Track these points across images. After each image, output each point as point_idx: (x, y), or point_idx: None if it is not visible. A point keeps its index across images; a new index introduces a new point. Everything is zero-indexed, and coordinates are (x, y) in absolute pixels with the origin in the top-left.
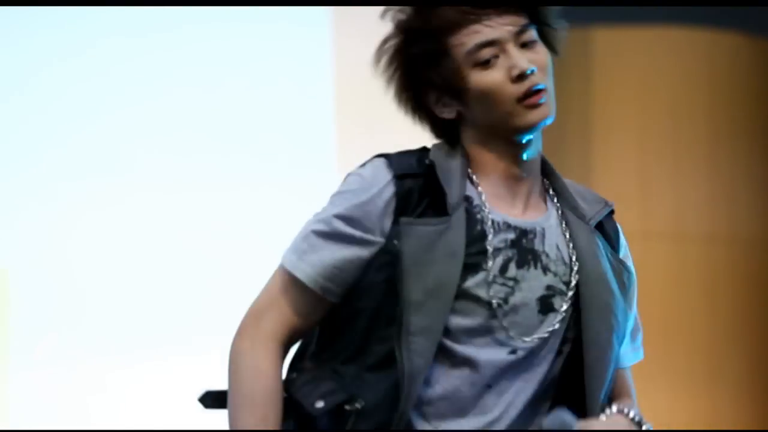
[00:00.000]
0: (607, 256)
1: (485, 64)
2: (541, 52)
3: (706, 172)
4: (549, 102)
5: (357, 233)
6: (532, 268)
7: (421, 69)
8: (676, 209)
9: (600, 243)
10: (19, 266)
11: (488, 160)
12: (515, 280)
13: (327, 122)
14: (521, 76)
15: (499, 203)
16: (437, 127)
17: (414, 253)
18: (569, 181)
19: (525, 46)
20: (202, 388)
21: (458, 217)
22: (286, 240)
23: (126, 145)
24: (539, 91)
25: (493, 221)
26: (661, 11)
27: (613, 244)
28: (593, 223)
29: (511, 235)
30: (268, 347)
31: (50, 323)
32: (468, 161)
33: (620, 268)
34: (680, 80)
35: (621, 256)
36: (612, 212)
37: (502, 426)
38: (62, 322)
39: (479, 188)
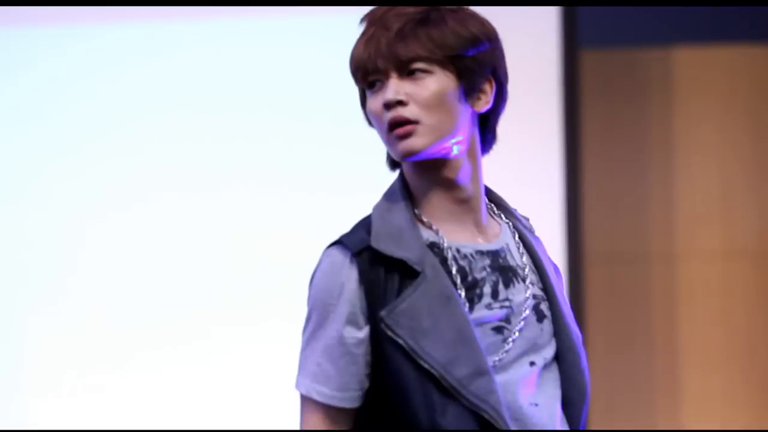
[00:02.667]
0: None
1: (372, 86)
2: (426, 85)
3: None
4: (421, 135)
5: (350, 331)
6: (517, 284)
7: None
8: (758, 228)
9: (544, 249)
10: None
11: (425, 190)
12: (508, 299)
13: None
14: (386, 106)
15: (461, 235)
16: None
17: (414, 331)
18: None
19: (412, 74)
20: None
21: (432, 266)
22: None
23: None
24: (403, 123)
25: (465, 255)
26: (742, 30)
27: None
28: (534, 230)
29: (487, 261)
30: None
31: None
32: (411, 203)
33: (558, 275)
34: (761, 98)
35: None
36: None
37: None
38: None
39: (434, 227)
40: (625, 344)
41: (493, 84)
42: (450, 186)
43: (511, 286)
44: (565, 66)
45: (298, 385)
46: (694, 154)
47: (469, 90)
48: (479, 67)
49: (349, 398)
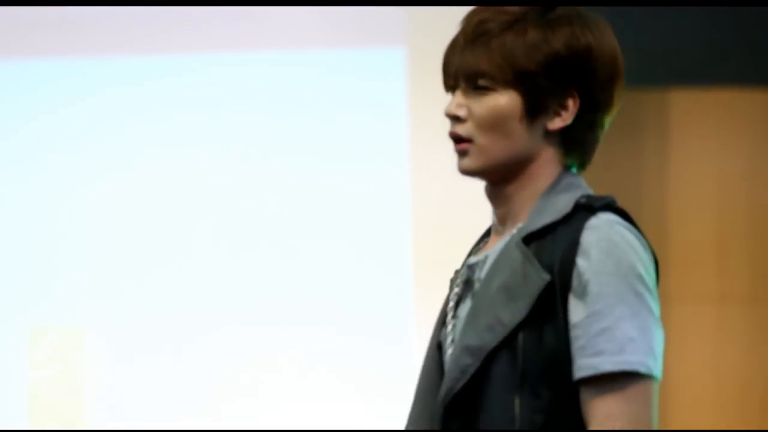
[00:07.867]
0: (522, 266)
1: (450, 90)
2: (486, 103)
3: None
4: (473, 155)
5: None
6: (468, 299)
7: None
8: (753, 272)
9: (519, 254)
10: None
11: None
12: (455, 317)
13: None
14: (448, 118)
15: (482, 247)
16: None
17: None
18: (559, 198)
19: (478, 89)
20: None
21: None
22: None
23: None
24: (457, 141)
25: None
26: (740, 72)
27: (545, 251)
28: (521, 235)
29: (465, 276)
30: None
31: (125, 383)
32: None
33: (532, 275)
34: (758, 142)
35: (558, 259)
36: (578, 214)
37: None
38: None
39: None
40: None
41: (578, 99)
42: (494, 201)
43: (464, 301)
44: None
45: None
46: (689, 195)
47: (537, 109)
48: (554, 84)
49: None
